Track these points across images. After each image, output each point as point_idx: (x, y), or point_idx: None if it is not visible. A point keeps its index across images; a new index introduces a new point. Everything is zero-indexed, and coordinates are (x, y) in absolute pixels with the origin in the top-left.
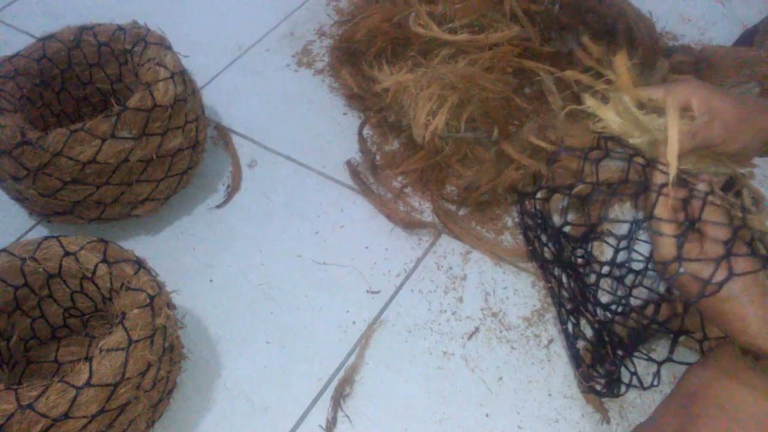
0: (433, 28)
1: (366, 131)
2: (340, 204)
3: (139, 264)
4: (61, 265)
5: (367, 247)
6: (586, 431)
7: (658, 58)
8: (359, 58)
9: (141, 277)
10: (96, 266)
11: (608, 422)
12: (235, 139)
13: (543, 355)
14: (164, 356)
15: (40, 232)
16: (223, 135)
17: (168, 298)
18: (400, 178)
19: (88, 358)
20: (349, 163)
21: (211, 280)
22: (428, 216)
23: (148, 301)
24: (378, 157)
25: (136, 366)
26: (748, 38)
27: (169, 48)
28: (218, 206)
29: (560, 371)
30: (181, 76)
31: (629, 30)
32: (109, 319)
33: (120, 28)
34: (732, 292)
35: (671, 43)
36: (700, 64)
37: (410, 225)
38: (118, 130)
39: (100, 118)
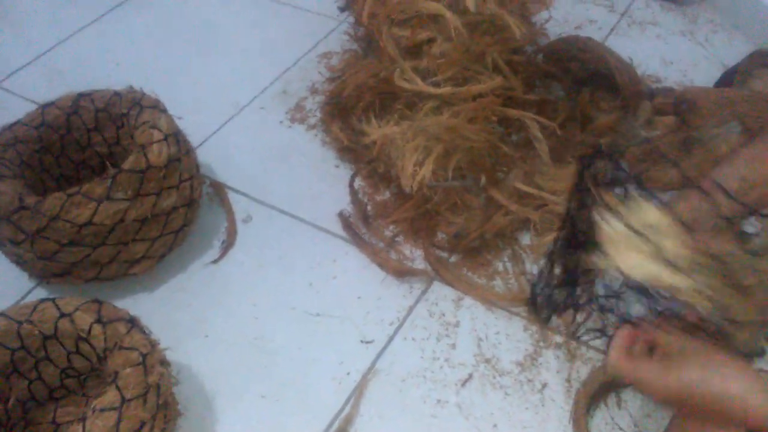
0: (417, 83)
1: (358, 182)
2: (332, 255)
3: (132, 323)
4: (56, 327)
5: (359, 297)
6: None
7: (641, 101)
8: (349, 112)
9: (134, 336)
10: (90, 326)
11: None
12: (231, 195)
13: (537, 400)
14: (158, 414)
15: (40, 293)
16: (219, 191)
17: (161, 356)
18: (391, 228)
19: (83, 419)
20: (341, 214)
21: (206, 336)
22: (420, 264)
23: (140, 359)
24: (369, 208)
25: (129, 424)
26: (728, 78)
27: (163, 111)
28: (213, 262)
29: (555, 416)
30: (175, 137)
31: (610, 76)
32: (105, 379)
33: (116, 93)
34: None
35: (654, 85)
36: (681, 106)
37: (402, 273)
38: (113, 192)
39: (96, 180)
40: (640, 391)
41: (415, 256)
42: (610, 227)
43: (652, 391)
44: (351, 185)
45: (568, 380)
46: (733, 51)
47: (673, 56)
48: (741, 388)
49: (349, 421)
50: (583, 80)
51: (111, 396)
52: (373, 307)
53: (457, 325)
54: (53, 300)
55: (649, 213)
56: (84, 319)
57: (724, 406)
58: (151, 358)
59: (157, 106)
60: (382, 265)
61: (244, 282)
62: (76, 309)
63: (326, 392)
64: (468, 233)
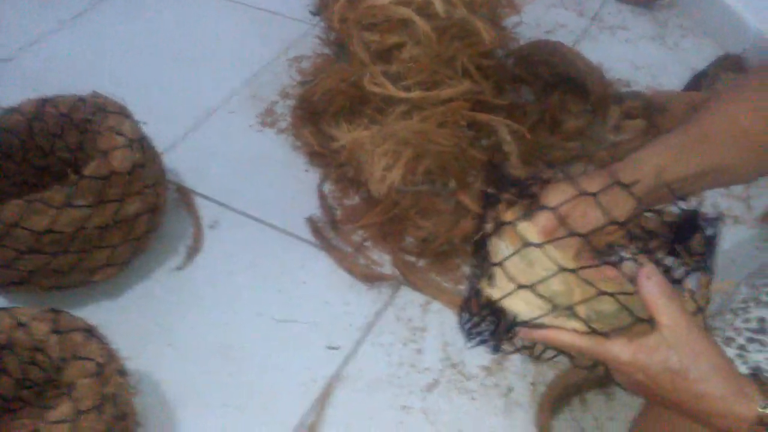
0: (387, 87)
1: (327, 187)
2: (301, 260)
3: (90, 332)
4: (11, 337)
5: (327, 302)
6: None
7: (610, 105)
8: (319, 116)
9: (91, 345)
10: (47, 336)
11: None
12: (199, 201)
13: (503, 404)
14: (115, 426)
15: None
16: (185, 197)
17: (120, 365)
18: (360, 232)
19: (35, 431)
20: (310, 219)
21: (169, 344)
22: (389, 269)
23: (96, 369)
24: (338, 213)
25: None
26: (696, 82)
27: (128, 116)
28: (178, 268)
29: (521, 420)
30: (139, 142)
31: (580, 80)
32: (63, 390)
33: (80, 98)
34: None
35: (623, 89)
36: (651, 109)
37: (370, 278)
38: (74, 199)
39: (56, 187)
40: (611, 373)
41: (383, 261)
42: (498, 252)
43: (627, 372)
44: (320, 190)
45: (534, 383)
46: (702, 55)
47: (642, 60)
48: (726, 390)
49: (313, 428)
50: (552, 84)
51: (65, 408)
52: (340, 312)
53: (424, 330)
54: (8, 309)
55: (527, 233)
56: (40, 329)
57: (703, 405)
58: (108, 368)
59: (122, 112)
60: (351, 270)
61: (210, 288)
62: (32, 318)
63: (292, 399)
64: (436, 238)
